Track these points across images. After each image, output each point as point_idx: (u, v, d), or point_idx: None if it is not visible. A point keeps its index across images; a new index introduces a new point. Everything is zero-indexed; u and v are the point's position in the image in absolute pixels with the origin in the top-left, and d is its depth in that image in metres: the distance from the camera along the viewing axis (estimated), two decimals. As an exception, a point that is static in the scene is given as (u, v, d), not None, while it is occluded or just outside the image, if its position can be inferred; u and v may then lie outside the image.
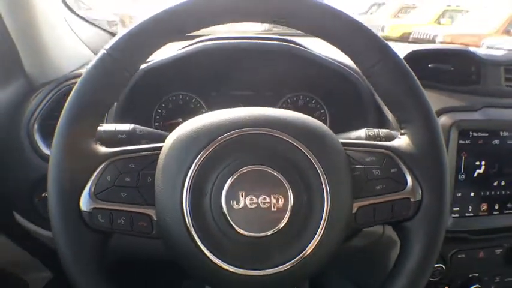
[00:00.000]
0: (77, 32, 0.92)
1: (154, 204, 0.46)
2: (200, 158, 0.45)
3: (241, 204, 0.43)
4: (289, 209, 0.44)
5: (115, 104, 0.76)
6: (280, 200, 0.44)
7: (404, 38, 7.98)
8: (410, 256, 0.48)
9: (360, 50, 0.49)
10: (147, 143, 0.52)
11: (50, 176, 0.45)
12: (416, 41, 7.48)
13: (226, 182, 0.44)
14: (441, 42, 6.77)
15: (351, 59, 0.51)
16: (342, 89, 0.84)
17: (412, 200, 0.48)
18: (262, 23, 0.50)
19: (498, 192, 0.82)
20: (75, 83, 0.77)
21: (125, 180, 0.46)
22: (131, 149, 0.49)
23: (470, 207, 0.81)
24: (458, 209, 0.80)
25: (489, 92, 0.84)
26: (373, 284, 0.97)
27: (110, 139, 0.59)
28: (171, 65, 0.80)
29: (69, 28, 0.90)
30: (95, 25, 1.07)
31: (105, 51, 0.46)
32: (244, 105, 0.90)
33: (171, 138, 0.48)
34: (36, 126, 0.74)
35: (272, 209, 0.44)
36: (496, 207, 0.82)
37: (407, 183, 0.48)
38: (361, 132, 0.64)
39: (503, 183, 0.81)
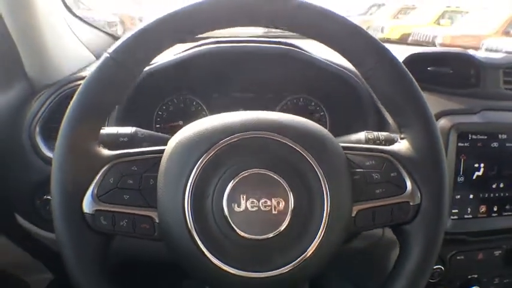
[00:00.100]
0: (77, 34, 0.93)
1: (157, 207, 0.46)
2: (202, 162, 0.45)
3: (243, 207, 0.44)
4: (289, 212, 0.44)
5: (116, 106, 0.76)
6: (280, 203, 0.44)
7: (403, 39, 7.98)
8: (409, 258, 0.49)
9: (359, 53, 0.49)
10: (149, 146, 0.53)
11: (53, 178, 0.46)
12: (415, 42, 7.48)
13: (227, 185, 0.44)
14: (440, 44, 6.77)
15: (350, 63, 0.51)
16: (342, 91, 0.85)
17: (411, 203, 0.49)
18: (261, 27, 0.51)
19: (497, 195, 0.82)
20: (77, 85, 0.78)
21: (128, 182, 0.47)
22: (134, 152, 0.49)
23: (469, 209, 0.81)
24: (457, 211, 0.80)
25: (488, 95, 0.85)
26: (373, 285, 0.97)
27: (112, 142, 0.59)
28: (172, 68, 0.80)
29: (70, 30, 0.90)
30: (94, 27, 1.07)
31: (108, 55, 0.47)
32: (245, 108, 0.91)
33: (173, 141, 0.48)
34: (37, 128, 0.74)
35: (273, 211, 0.44)
36: (495, 209, 0.83)
37: (406, 187, 0.49)
38: (361, 135, 0.64)
39: (502, 185, 0.82)
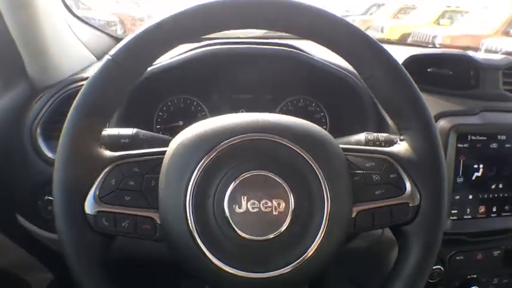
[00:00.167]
0: (77, 34, 0.93)
1: (158, 208, 0.47)
2: (203, 163, 0.45)
3: (244, 208, 0.44)
4: (290, 213, 0.45)
5: None
6: (281, 204, 0.45)
7: (403, 39, 7.98)
8: (408, 259, 0.49)
9: (360, 57, 0.50)
10: (150, 147, 0.53)
11: (55, 178, 0.46)
12: (415, 42, 7.47)
13: (228, 186, 0.45)
14: (440, 44, 6.77)
15: (351, 66, 0.52)
16: (342, 92, 0.85)
17: (410, 204, 0.49)
18: (262, 29, 0.51)
19: (496, 195, 0.82)
20: (78, 86, 0.78)
21: (129, 184, 0.47)
22: (135, 153, 0.50)
23: (468, 210, 0.81)
24: (456, 211, 0.81)
25: (487, 96, 0.85)
26: (373, 285, 0.97)
27: (113, 143, 0.59)
28: (173, 69, 0.80)
29: (70, 30, 0.91)
30: (94, 27, 1.07)
31: (110, 57, 0.47)
32: (245, 109, 0.92)
33: (175, 143, 0.49)
34: (39, 129, 0.75)
35: (273, 212, 0.45)
36: (494, 209, 0.83)
37: (406, 189, 0.49)
38: (361, 136, 0.64)
39: (501, 186, 0.82)
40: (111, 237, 0.49)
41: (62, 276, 0.90)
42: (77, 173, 0.46)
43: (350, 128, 0.74)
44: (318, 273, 0.48)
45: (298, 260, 0.45)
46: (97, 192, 0.46)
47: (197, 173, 0.45)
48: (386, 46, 0.51)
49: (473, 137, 0.79)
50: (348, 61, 0.51)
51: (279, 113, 0.91)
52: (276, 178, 0.45)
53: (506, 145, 0.81)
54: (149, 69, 0.77)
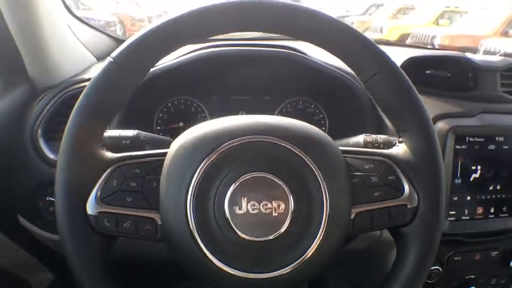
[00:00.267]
0: (77, 35, 0.93)
1: (159, 209, 0.47)
2: (204, 165, 0.46)
3: (244, 209, 0.45)
4: (289, 215, 0.45)
5: None
6: (281, 205, 0.45)
7: (402, 39, 7.98)
8: (406, 261, 0.50)
9: (359, 60, 0.50)
10: (151, 149, 0.54)
11: (57, 179, 0.46)
12: (414, 42, 7.48)
13: (229, 188, 0.45)
14: (439, 44, 6.77)
15: (351, 68, 0.52)
16: (341, 94, 0.85)
17: (408, 206, 0.49)
18: (262, 32, 0.52)
19: (494, 196, 0.83)
20: (79, 88, 0.78)
21: (131, 185, 0.48)
22: (137, 155, 0.50)
23: (466, 211, 0.82)
24: (454, 212, 0.81)
25: (485, 97, 0.85)
26: (372, 285, 0.98)
27: (114, 145, 0.60)
28: (173, 71, 0.81)
29: (70, 31, 0.91)
30: (94, 28, 1.07)
31: (112, 59, 0.47)
32: (245, 110, 0.92)
33: (176, 144, 0.49)
34: (40, 131, 0.75)
35: (273, 214, 0.45)
36: (492, 210, 0.83)
37: (404, 190, 0.50)
38: (360, 138, 0.65)
39: (498, 187, 0.83)
40: (112, 238, 0.49)
41: (63, 276, 0.90)
42: (79, 173, 0.47)
43: (349, 129, 0.75)
44: (318, 274, 0.49)
45: (298, 261, 0.46)
46: (99, 193, 0.47)
47: (198, 175, 0.46)
48: (384, 47, 0.52)
49: (471, 139, 0.79)
50: (347, 64, 0.52)
51: (278, 115, 0.92)
52: (276, 180, 0.46)
53: (504, 146, 0.81)
54: (150, 71, 0.78)
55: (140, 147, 0.61)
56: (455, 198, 0.80)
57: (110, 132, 0.61)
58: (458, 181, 0.80)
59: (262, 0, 0.48)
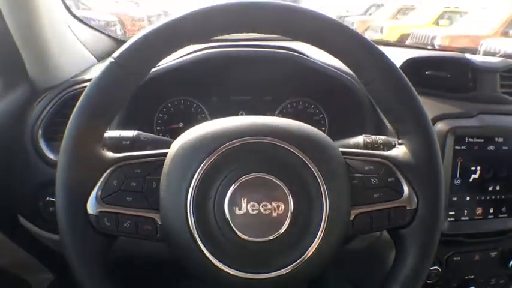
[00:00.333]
0: (77, 35, 0.93)
1: (159, 209, 0.47)
2: (204, 166, 0.46)
3: (244, 209, 0.45)
4: (289, 215, 0.46)
5: None
6: (280, 206, 0.45)
7: (402, 40, 7.98)
8: (405, 262, 0.50)
9: (360, 62, 0.50)
10: (151, 149, 0.54)
11: (58, 179, 0.46)
12: (414, 42, 7.48)
13: (229, 188, 0.46)
14: (439, 45, 6.77)
15: (351, 71, 0.52)
16: (341, 94, 0.85)
17: (408, 208, 0.50)
18: (263, 34, 0.52)
19: (493, 197, 0.83)
20: (80, 88, 0.78)
21: (131, 185, 0.48)
22: (137, 155, 0.50)
23: (465, 211, 0.82)
24: (454, 212, 0.81)
25: (485, 98, 0.86)
26: (372, 284, 0.98)
27: (114, 145, 0.60)
28: (173, 71, 0.81)
29: (71, 31, 0.91)
30: (95, 28, 1.07)
31: (113, 59, 0.48)
32: (245, 111, 0.92)
33: (176, 144, 0.49)
34: (40, 131, 0.75)
35: (273, 214, 0.45)
36: (491, 211, 0.83)
37: (403, 192, 0.50)
38: (359, 139, 0.65)
39: (498, 187, 0.83)
40: (112, 238, 0.49)
41: (63, 276, 0.90)
42: (79, 173, 0.47)
43: (349, 129, 0.75)
44: (317, 274, 0.49)
45: (297, 261, 0.46)
46: (99, 193, 0.47)
47: (198, 175, 0.46)
48: (384, 48, 0.52)
49: (470, 139, 0.79)
50: (347, 66, 0.52)
51: (278, 115, 0.92)
52: (276, 180, 0.46)
53: (504, 147, 0.81)
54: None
55: (140, 147, 0.61)
56: (455, 198, 0.81)
57: (110, 133, 0.61)
58: (457, 182, 0.80)
59: (265, 1, 0.48)
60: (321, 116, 0.94)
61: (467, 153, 0.80)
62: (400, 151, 0.52)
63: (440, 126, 0.78)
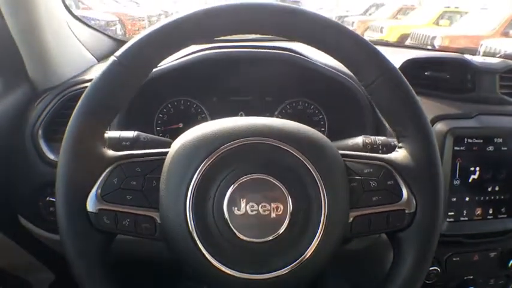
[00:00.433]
0: (77, 35, 0.93)
1: (158, 208, 0.47)
2: (204, 166, 0.46)
3: (243, 210, 0.45)
4: (288, 216, 0.46)
5: None
6: (279, 207, 0.46)
7: (402, 40, 7.98)
8: (403, 265, 0.50)
9: (360, 65, 0.50)
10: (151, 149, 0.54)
11: (58, 177, 0.47)
12: (414, 42, 7.47)
13: (228, 189, 0.46)
14: (439, 45, 6.76)
15: (351, 72, 0.52)
16: (340, 95, 0.86)
17: (406, 211, 0.50)
18: (263, 35, 0.52)
19: (492, 197, 0.83)
20: (80, 89, 0.79)
21: (131, 183, 0.48)
22: (137, 154, 0.51)
23: (465, 212, 0.82)
24: (453, 213, 0.81)
25: (484, 99, 0.86)
26: (371, 285, 0.98)
27: (115, 146, 0.60)
28: (173, 72, 0.81)
29: (71, 32, 0.91)
30: (95, 28, 1.07)
31: (115, 58, 0.48)
32: (244, 111, 0.92)
33: (177, 144, 0.49)
34: (40, 131, 0.75)
35: (272, 215, 0.45)
36: (490, 211, 0.84)
37: (402, 195, 0.50)
38: (359, 140, 0.65)
39: (497, 188, 0.83)
40: (111, 236, 0.50)
41: (63, 276, 0.90)
42: (79, 171, 0.47)
43: (348, 130, 0.75)
44: (316, 275, 0.49)
45: (296, 262, 0.46)
46: (99, 191, 0.47)
47: (198, 175, 0.46)
48: (384, 48, 0.52)
49: (469, 140, 0.80)
50: (348, 68, 0.52)
51: (278, 116, 0.93)
52: (275, 181, 0.46)
53: (503, 148, 0.81)
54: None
55: (140, 148, 0.61)
56: (454, 199, 0.81)
57: (110, 134, 0.62)
58: (457, 182, 0.80)
59: (266, 2, 0.48)
60: (320, 116, 0.94)
61: (467, 154, 0.80)
62: (399, 154, 0.52)
63: (440, 126, 0.78)
